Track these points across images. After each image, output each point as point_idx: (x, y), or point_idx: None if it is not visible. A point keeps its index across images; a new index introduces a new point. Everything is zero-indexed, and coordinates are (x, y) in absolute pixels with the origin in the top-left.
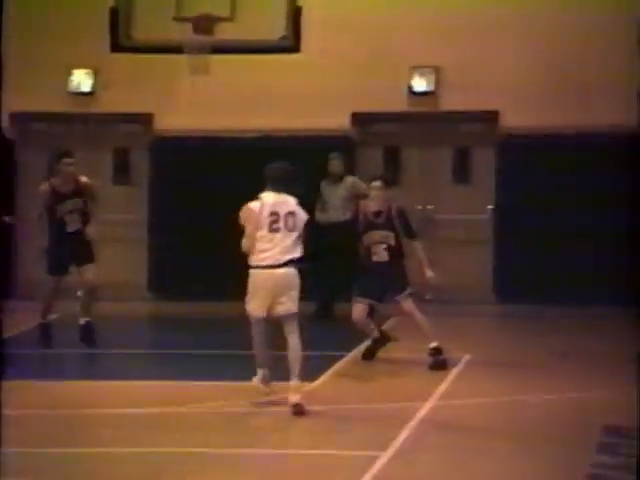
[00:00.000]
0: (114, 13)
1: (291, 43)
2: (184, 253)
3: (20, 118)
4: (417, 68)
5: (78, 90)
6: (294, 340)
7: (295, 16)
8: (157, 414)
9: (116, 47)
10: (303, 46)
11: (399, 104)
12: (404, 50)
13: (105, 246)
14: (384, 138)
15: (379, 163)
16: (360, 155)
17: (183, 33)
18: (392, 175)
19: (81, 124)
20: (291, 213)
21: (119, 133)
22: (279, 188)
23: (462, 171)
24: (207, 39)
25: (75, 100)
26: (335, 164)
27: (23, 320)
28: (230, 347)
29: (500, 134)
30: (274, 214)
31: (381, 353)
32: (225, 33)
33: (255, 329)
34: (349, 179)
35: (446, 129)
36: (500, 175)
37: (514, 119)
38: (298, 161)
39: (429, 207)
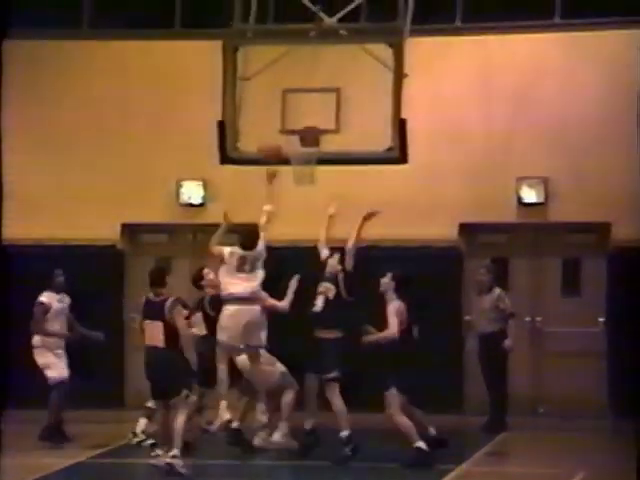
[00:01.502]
0: (222, 126)
1: (397, 154)
2: None
3: (130, 229)
4: (525, 179)
5: (188, 202)
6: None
7: (401, 127)
8: None
9: (224, 159)
10: (409, 157)
11: (507, 215)
12: (511, 160)
13: None
14: (492, 249)
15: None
16: (468, 266)
17: (289, 145)
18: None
19: (190, 234)
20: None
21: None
22: None
23: (572, 282)
24: (313, 151)
25: (185, 211)
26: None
27: None
28: None
29: (612, 245)
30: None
31: (494, 468)
32: (331, 144)
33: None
34: (496, 291)
35: (555, 240)
36: (611, 287)
37: (626, 230)
38: (405, 270)
39: (538, 319)
